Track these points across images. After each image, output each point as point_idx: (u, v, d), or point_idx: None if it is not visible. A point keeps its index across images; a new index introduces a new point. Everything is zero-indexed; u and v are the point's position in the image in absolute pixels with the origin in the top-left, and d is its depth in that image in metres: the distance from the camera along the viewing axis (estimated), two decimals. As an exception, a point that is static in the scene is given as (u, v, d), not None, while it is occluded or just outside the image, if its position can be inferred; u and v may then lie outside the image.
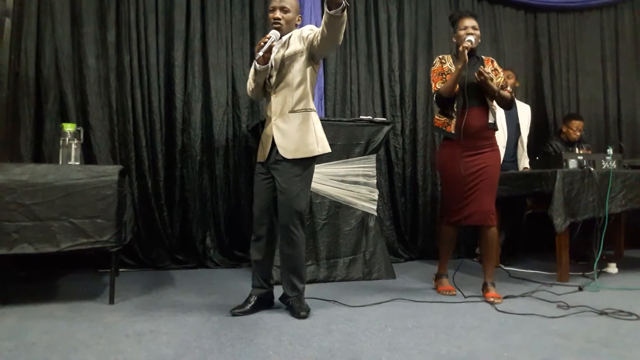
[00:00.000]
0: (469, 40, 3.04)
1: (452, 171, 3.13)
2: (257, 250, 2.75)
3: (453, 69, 3.13)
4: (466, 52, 2.98)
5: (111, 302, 2.87)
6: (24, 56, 3.80)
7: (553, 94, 5.38)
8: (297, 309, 2.62)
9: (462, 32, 3.12)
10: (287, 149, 2.61)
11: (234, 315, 2.62)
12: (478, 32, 3.13)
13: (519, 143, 4.55)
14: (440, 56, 3.29)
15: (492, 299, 2.96)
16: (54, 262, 3.68)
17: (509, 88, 3.19)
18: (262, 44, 2.56)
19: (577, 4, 5.48)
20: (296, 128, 2.63)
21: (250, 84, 2.78)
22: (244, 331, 2.35)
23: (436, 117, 3.25)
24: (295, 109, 2.65)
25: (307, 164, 2.67)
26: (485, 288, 3.10)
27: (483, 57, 3.25)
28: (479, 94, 3.10)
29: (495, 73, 3.15)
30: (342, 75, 4.64)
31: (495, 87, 3.04)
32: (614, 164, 3.81)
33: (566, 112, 5.17)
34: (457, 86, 3.07)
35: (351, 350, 2.10)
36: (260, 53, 2.57)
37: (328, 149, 2.72)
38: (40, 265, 3.67)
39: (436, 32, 4.91)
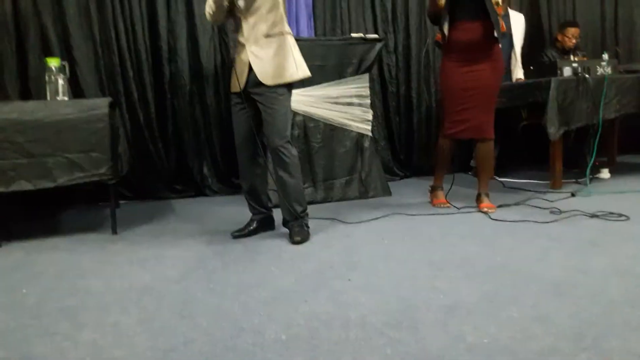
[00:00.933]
0: None
1: (448, 84, 3.13)
2: (245, 180, 2.74)
3: None
4: None
5: (114, 232, 2.93)
6: (-1, -11, 3.65)
7: (548, 1, 5.21)
8: (293, 233, 2.58)
9: None
10: (267, 74, 2.52)
11: (234, 237, 2.69)
12: None
13: (512, 54, 4.46)
14: None
15: (485, 209, 3.04)
16: (54, 198, 3.72)
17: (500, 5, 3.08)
18: None
19: None
20: (273, 53, 2.53)
21: (210, 5, 2.55)
22: (246, 251, 2.43)
23: (437, 32, 3.20)
24: (270, 33, 2.53)
25: (288, 88, 2.61)
26: (479, 199, 3.18)
27: None
28: (472, 7, 2.99)
29: None
30: (331, -9, 4.47)
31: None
32: (609, 70, 3.76)
33: (562, 20, 5.03)
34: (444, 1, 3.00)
35: (349, 261, 2.17)
36: None
37: (308, 73, 2.64)
38: (40, 202, 3.71)
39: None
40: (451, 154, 3.29)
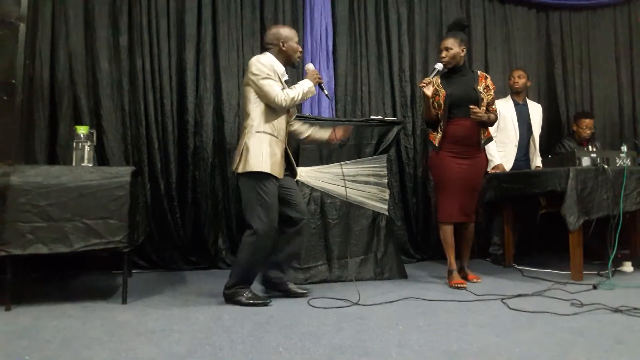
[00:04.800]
0: (436, 67, 3.39)
1: (446, 174, 3.42)
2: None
3: (442, 88, 3.40)
4: (426, 91, 3.30)
5: (124, 301, 2.89)
6: (39, 60, 3.87)
7: (566, 93, 5.33)
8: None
9: (440, 55, 3.45)
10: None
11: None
12: (452, 52, 3.39)
13: (531, 142, 4.50)
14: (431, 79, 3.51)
15: (475, 280, 3.48)
16: (67, 263, 3.72)
17: (494, 107, 3.48)
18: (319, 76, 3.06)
19: (590, 2, 5.43)
20: None
21: (299, 97, 2.92)
22: (255, 329, 2.36)
23: (430, 131, 3.57)
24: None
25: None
26: (463, 272, 3.54)
27: (478, 72, 3.51)
28: (466, 106, 3.31)
29: (486, 90, 3.44)
30: (352, 76, 4.64)
31: (487, 119, 3.36)
32: (628, 162, 3.76)
33: (579, 111, 5.11)
34: (442, 107, 3.39)
35: (361, 347, 2.09)
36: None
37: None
38: (54, 267, 3.71)
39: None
40: (453, 236, 3.50)
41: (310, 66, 3.14)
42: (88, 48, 4.03)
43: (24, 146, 3.67)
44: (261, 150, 2.85)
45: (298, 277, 3.43)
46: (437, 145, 3.44)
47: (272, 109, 2.91)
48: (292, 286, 3.13)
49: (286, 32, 3.02)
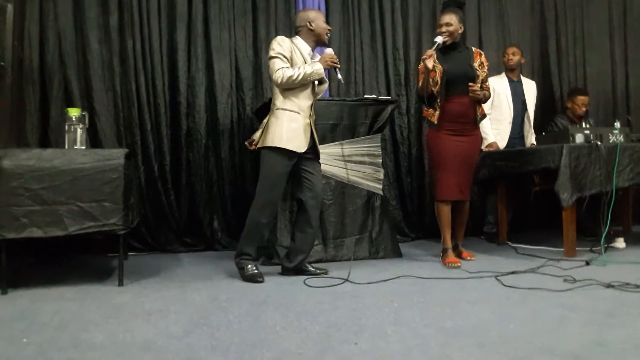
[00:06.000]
0: (437, 40, 3.33)
1: (443, 152, 3.40)
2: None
3: (439, 64, 3.35)
4: (428, 63, 3.23)
5: (120, 284, 2.90)
6: (28, 42, 3.82)
7: (560, 70, 5.32)
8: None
9: (438, 30, 3.40)
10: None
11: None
12: (451, 27, 3.36)
13: (525, 119, 4.50)
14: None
15: (468, 258, 3.50)
16: (63, 247, 3.72)
17: (487, 83, 3.50)
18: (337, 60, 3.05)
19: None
20: None
21: (298, 77, 2.92)
22: (252, 308, 2.38)
23: (424, 107, 3.53)
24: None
25: None
26: (457, 249, 3.56)
27: (473, 48, 3.52)
28: (463, 83, 3.31)
29: (481, 67, 3.44)
30: (345, 55, 4.61)
31: (483, 97, 3.39)
32: (621, 138, 3.77)
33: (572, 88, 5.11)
34: (439, 83, 3.34)
35: (357, 324, 2.11)
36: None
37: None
38: (49, 250, 3.71)
39: (440, 9, 4.84)
40: (450, 214, 3.50)
41: (328, 50, 3.15)
42: (77, 29, 3.97)
43: (15, 130, 3.64)
44: (279, 127, 2.96)
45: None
46: (436, 122, 3.41)
47: (292, 88, 2.98)
48: (309, 267, 3.17)
49: (313, 13, 3.14)
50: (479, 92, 3.30)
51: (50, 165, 2.78)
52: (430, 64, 3.25)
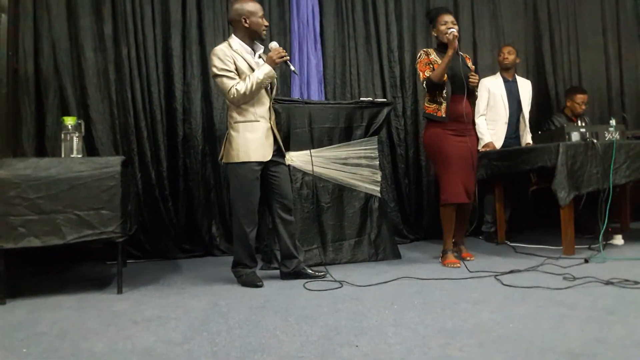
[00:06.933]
0: (453, 31, 3.32)
1: (447, 152, 3.37)
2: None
3: (439, 61, 3.36)
4: (455, 39, 3.28)
5: (119, 291, 2.89)
6: (22, 52, 3.81)
7: (554, 68, 5.33)
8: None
9: (442, 27, 3.39)
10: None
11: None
12: (457, 27, 3.40)
13: (521, 119, 4.51)
14: (424, 49, 3.53)
15: (468, 258, 3.48)
16: (61, 255, 3.71)
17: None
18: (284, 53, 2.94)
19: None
20: None
21: (251, 88, 2.86)
22: (252, 314, 2.38)
23: (426, 105, 3.49)
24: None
25: None
26: (458, 247, 3.56)
27: (461, 53, 3.53)
28: (461, 84, 3.35)
29: (472, 69, 3.52)
30: (340, 58, 4.61)
31: (477, 90, 3.52)
32: (617, 135, 3.78)
33: (568, 87, 5.12)
34: (445, 75, 3.32)
35: (357, 327, 2.11)
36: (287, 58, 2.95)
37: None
38: (48, 260, 3.70)
39: (427, 20, 4.85)
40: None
41: (273, 44, 3.01)
42: (72, 38, 3.97)
43: (11, 139, 3.64)
44: (242, 140, 2.93)
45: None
46: (445, 115, 3.36)
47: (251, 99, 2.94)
48: (308, 270, 3.15)
49: (249, 6, 2.94)
50: (475, 80, 3.41)
51: (47, 174, 2.78)
52: (455, 41, 3.29)
